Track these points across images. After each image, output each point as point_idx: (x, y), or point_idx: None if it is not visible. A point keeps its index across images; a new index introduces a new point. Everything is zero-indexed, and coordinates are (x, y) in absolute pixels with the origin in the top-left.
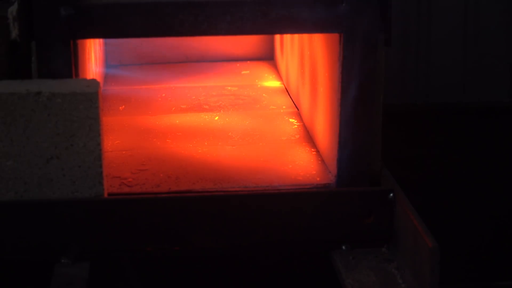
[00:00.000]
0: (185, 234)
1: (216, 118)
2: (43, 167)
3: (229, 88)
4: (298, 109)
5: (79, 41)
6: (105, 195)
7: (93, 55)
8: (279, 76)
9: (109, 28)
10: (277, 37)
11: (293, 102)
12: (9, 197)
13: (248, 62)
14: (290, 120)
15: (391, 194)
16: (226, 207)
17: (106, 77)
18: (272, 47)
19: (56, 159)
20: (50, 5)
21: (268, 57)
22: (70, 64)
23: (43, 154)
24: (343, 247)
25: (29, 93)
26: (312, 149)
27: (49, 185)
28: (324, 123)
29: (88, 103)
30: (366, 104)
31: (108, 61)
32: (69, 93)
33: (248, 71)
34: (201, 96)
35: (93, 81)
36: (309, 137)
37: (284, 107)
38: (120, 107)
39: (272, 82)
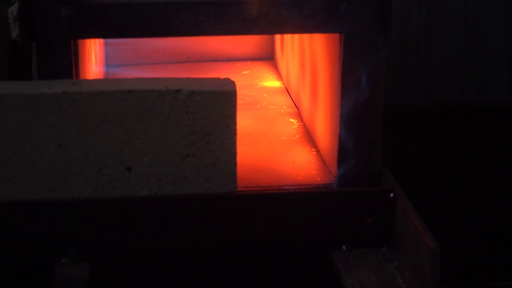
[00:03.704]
0: (185, 234)
1: None
2: (179, 165)
3: None
4: (298, 109)
5: (79, 41)
6: None
7: (93, 55)
8: (279, 76)
9: (109, 28)
10: (278, 37)
11: (293, 102)
12: (143, 194)
13: (248, 62)
14: (290, 120)
15: (391, 194)
16: (226, 207)
17: (106, 77)
18: (272, 47)
19: (191, 157)
20: (50, 5)
21: (268, 57)
22: (70, 64)
23: (179, 152)
24: (343, 247)
25: (169, 90)
26: (312, 149)
27: (183, 182)
28: (324, 123)
29: (226, 101)
30: (366, 104)
31: (108, 61)
32: (208, 91)
33: (248, 71)
34: None
35: (228, 80)
36: (309, 137)
37: (284, 107)
38: None
39: (272, 82)
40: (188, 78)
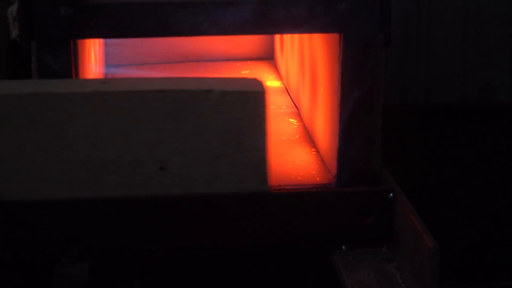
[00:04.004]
0: (185, 234)
1: None
2: (211, 164)
3: None
4: (298, 109)
5: (79, 41)
6: None
7: (93, 55)
8: (279, 76)
9: (109, 28)
10: (277, 37)
11: (293, 102)
12: (176, 193)
13: (248, 62)
14: (290, 120)
15: (391, 194)
16: (226, 207)
17: (106, 77)
18: (272, 47)
19: (224, 157)
20: (50, 5)
21: (268, 57)
22: (70, 64)
23: (212, 152)
24: (343, 247)
25: (200, 90)
26: (312, 149)
27: (215, 182)
28: (324, 123)
29: (257, 101)
30: (366, 104)
31: (108, 61)
32: (240, 92)
33: (248, 71)
34: None
35: (257, 80)
36: (309, 137)
37: (284, 107)
38: None
39: (272, 82)
40: (219, 78)
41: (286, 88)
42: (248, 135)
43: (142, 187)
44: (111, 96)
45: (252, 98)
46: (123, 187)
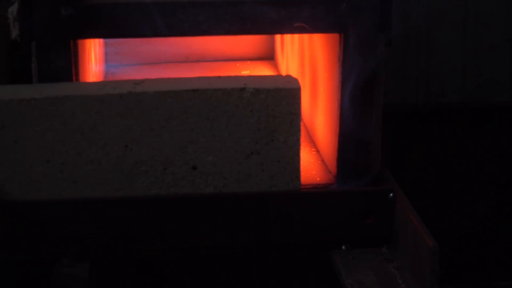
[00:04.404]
0: (185, 234)
1: None
2: (243, 162)
3: None
4: None
5: (79, 41)
6: None
7: (93, 55)
8: None
9: (109, 28)
10: (278, 37)
11: None
12: (208, 191)
13: (248, 62)
14: None
15: (391, 194)
16: (226, 207)
17: (106, 77)
18: (272, 47)
19: (256, 154)
20: (50, 5)
21: (268, 57)
22: (70, 64)
23: (244, 150)
24: (343, 247)
25: (234, 89)
26: (312, 149)
27: (247, 180)
28: (324, 123)
29: (291, 98)
30: (366, 104)
31: (108, 61)
32: (273, 89)
33: (248, 71)
34: None
35: (291, 77)
36: (309, 137)
37: None
38: None
39: None
40: (251, 76)
41: None
42: (281, 132)
43: (173, 187)
44: (146, 97)
45: (285, 95)
46: (155, 187)
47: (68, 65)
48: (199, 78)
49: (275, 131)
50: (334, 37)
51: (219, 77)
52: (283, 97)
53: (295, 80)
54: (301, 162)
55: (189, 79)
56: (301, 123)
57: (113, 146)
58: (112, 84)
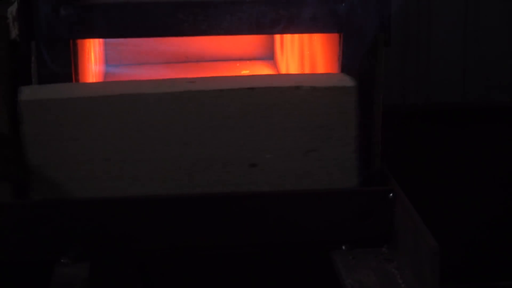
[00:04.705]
0: (185, 234)
1: None
2: (301, 160)
3: None
4: None
5: (79, 41)
6: None
7: (93, 55)
8: None
9: (109, 28)
10: (277, 37)
11: None
12: (266, 190)
13: (248, 62)
14: None
15: (391, 194)
16: (226, 207)
17: (106, 77)
18: (272, 47)
19: (314, 152)
20: (50, 5)
21: (268, 57)
22: (70, 64)
23: (301, 147)
24: (343, 247)
25: (290, 87)
26: None
27: (305, 177)
28: None
29: (347, 96)
30: (366, 104)
31: (108, 61)
32: (330, 87)
33: (248, 71)
34: None
35: (345, 75)
36: None
37: None
38: None
39: None
40: (307, 74)
41: None
42: (337, 130)
43: (232, 185)
44: (204, 95)
45: (341, 92)
46: (213, 185)
47: (68, 65)
48: (255, 76)
49: (332, 129)
50: (334, 37)
51: (275, 75)
52: (339, 95)
53: (350, 78)
54: None
55: (246, 77)
56: None
57: (172, 144)
58: (169, 83)
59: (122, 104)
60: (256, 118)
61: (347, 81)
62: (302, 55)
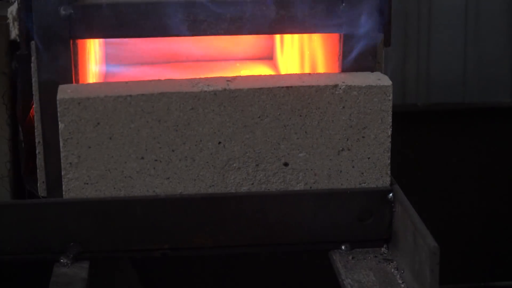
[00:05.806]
0: (185, 234)
1: None
2: (334, 159)
3: None
4: None
5: (79, 41)
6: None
7: (93, 55)
8: None
9: (109, 28)
10: (277, 37)
11: None
12: (299, 188)
13: (248, 62)
14: None
15: (391, 194)
16: (226, 207)
17: (106, 77)
18: (272, 47)
19: (347, 151)
20: (50, 5)
21: (268, 57)
22: (70, 64)
23: (335, 146)
24: (343, 247)
25: (327, 86)
26: None
27: (338, 176)
28: None
29: (382, 95)
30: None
31: (108, 61)
32: (365, 86)
33: (248, 71)
34: None
35: (381, 74)
36: None
37: None
38: None
39: None
40: (342, 73)
41: None
42: (371, 129)
43: (265, 183)
44: (240, 94)
45: (377, 92)
46: (247, 183)
47: (67, 65)
48: (290, 75)
49: (366, 127)
50: (334, 37)
51: (310, 74)
52: (375, 94)
53: (386, 77)
54: None
55: (281, 76)
56: None
57: (206, 142)
58: (205, 81)
59: (158, 102)
60: (291, 117)
61: (384, 80)
62: (302, 55)
